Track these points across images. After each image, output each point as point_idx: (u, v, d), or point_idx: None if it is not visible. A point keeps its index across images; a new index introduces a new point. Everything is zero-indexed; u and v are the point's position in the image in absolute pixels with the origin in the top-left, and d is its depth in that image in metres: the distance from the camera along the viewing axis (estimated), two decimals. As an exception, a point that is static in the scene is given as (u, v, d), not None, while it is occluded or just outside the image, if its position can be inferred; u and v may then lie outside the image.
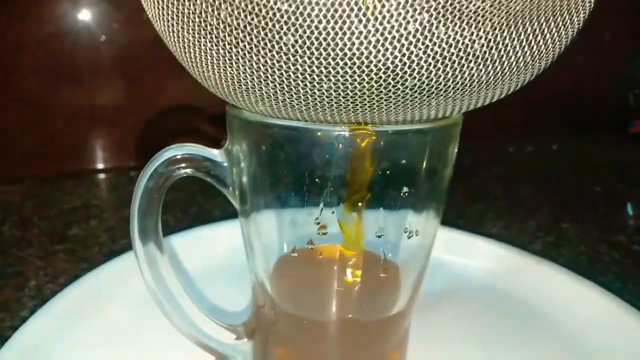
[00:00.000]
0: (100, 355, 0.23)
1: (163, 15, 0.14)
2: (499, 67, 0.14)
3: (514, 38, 0.14)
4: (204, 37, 0.14)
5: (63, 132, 0.52)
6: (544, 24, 0.14)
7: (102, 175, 0.53)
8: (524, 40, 0.14)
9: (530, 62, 0.15)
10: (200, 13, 0.13)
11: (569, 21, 0.15)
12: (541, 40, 0.14)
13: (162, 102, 0.55)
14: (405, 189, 0.17)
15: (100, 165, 0.54)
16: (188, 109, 0.54)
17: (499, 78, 0.15)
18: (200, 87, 0.18)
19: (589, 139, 0.78)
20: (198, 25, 0.13)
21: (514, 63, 0.14)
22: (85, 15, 0.49)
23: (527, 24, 0.14)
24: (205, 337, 0.21)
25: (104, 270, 0.28)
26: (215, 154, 0.19)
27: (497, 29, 0.13)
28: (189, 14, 0.13)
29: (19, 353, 0.21)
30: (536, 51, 0.15)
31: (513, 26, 0.13)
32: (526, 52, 0.14)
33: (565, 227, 0.44)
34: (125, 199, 0.46)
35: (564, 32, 0.15)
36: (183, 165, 0.18)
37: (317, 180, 0.17)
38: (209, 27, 0.13)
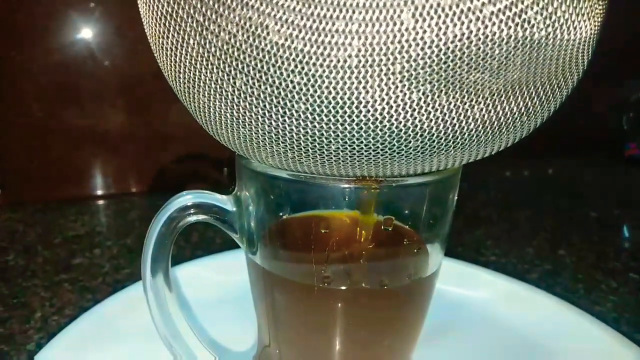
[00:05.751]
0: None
1: (180, 79, 0.15)
2: (497, 127, 0.15)
3: (512, 101, 0.15)
4: (219, 101, 0.14)
5: (67, 158, 0.53)
6: (540, 87, 0.15)
7: (105, 202, 0.54)
8: (521, 103, 0.15)
9: (527, 120, 0.16)
10: (217, 80, 0.14)
11: (563, 83, 0.15)
12: (537, 102, 0.15)
13: (166, 128, 0.55)
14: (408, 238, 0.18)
15: (104, 191, 0.55)
16: (192, 135, 0.55)
17: (496, 136, 0.16)
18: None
19: (585, 163, 0.79)
20: (214, 90, 0.14)
21: (512, 123, 0.15)
22: (90, 43, 0.50)
23: (524, 88, 0.14)
24: (212, 377, 0.21)
25: (109, 303, 0.28)
26: (224, 200, 0.19)
27: (496, 94, 0.14)
28: (205, 80, 0.14)
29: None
30: (532, 111, 0.15)
31: (510, 91, 0.14)
32: (523, 113, 0.15)
33: (562, 254, 0.44)
34: (128, 226, 0.47)
35: (558, 93, 0.16)
36: (192, 211, 0.19)
37: (323, 230, 0.17)
38: (224, 93, 0.14)
